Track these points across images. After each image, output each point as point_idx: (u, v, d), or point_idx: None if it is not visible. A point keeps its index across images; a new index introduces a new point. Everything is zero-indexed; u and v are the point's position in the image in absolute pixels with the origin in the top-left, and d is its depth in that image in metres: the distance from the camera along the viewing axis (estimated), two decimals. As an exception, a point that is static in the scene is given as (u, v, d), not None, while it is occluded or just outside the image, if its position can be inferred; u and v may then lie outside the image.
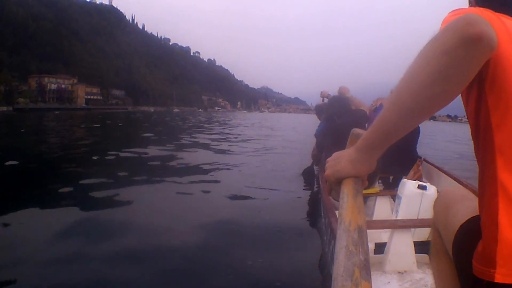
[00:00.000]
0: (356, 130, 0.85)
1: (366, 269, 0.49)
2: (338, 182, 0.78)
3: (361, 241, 0.55)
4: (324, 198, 2.91)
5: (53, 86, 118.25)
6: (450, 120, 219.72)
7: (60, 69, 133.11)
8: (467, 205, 0.98)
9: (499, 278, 0.71)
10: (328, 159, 0.83)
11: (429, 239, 2.42)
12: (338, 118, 3.68)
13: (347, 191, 0.72)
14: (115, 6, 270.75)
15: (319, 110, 4.90)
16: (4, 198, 4.74)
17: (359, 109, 3.97)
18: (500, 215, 0.72)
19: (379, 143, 0.73)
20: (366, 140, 0.75)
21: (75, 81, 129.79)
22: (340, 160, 0.79)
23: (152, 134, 16.99)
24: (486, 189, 0.77)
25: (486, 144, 0.76)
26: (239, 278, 2.71)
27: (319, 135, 4.06)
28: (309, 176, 5.83)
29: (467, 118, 0.84)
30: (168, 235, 3.54)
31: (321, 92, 4.92)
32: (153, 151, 10.02)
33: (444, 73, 0.61)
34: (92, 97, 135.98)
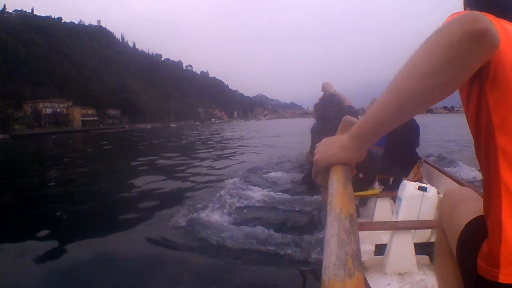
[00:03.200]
0: (348, 118, 0.84)
1: (358, 259, 0.48)
2: (327, 168, 0.77)
3: (352, 229, 0.53)
4: (324, 197, 2.92)
5: (49, 111, 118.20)
6: (448, 111, 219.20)
7: (54, 93, 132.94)
8: (472, 205, 0.98)
9: (502, 279, 0.71)
10: (317, 144, 0.82)
11: (430, 241, 2.43)
12: (335, 119, 3.58)
13: (337, 178, 0.71)
14: (104, 26, 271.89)
15: (317, 110, 4.64)
16: None
17: (350, 105, 3.95)
18: (503, 216, 0.72)
19: (373, 132, 0.73)
20: (360, 128, 0.74)
21: (70, 104, 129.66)
22: (331, 146, 0.78)
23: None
24: (490, 189, 0.77)
25: (488, 144, 0.76)
26: (238, 268, 2.90)
27: (315, 133, 4.04)
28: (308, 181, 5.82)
29: (467, 118, 0.84)
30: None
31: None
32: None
33: (445, 65, 0.61)
34: (88, 118, 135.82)
